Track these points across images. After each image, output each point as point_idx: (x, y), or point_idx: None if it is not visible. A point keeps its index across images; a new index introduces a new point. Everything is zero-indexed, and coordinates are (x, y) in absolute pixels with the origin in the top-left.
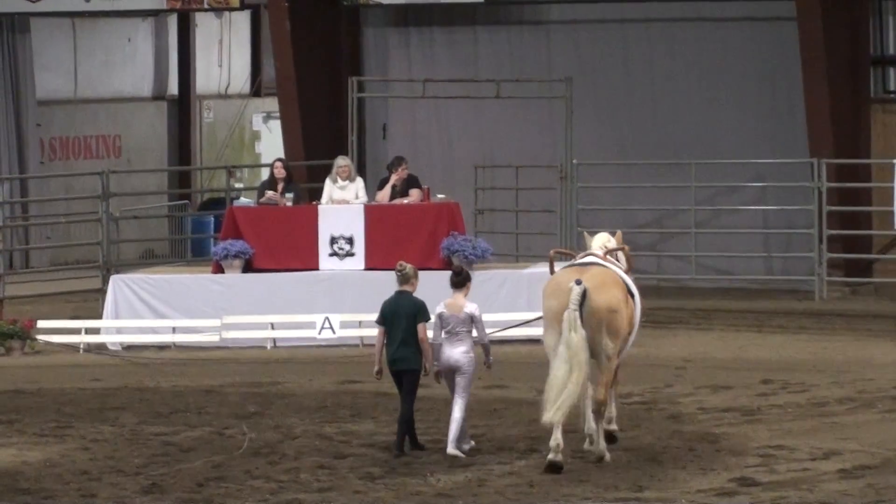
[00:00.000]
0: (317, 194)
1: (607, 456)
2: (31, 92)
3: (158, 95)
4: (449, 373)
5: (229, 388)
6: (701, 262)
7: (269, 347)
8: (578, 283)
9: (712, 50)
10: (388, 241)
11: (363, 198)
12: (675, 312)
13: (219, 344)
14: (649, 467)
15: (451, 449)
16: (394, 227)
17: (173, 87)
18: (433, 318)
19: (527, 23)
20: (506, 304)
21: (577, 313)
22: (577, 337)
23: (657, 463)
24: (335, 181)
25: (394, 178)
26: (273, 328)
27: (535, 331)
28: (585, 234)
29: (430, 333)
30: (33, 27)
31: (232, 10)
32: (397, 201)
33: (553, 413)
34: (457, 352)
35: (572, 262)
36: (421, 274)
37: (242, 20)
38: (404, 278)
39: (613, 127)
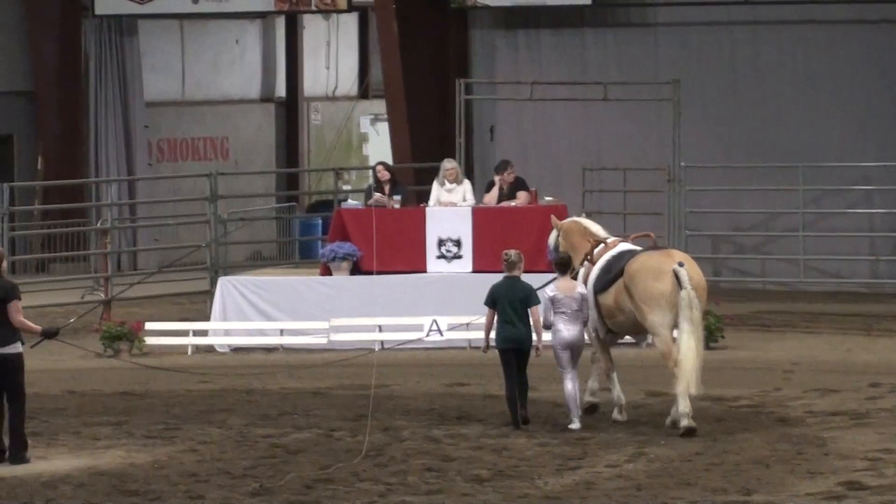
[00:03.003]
0: (424, 196)
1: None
2: (140, 94)
3: (266, 97)
4: (565, 350)
5: (337, 391)
6: (808, 264)
7: (376, 349)
8: (681, 265)
9: (820, 53)
10: (495, 243)
11: (471, 200)
12: (782, 315)
13: (326, 346)
14: (757, 470)
15: (578, 423)
16: (501, 229)
17: (281, 89)
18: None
19: (634, 25)
20: None
21: (694, 292)
22: (698, 314)
23: (765, 466)
24: (443, 184)
25: (500, 181)
26: (380, 330)
27: None
28: (558, 221)
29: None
30: (141, 29)
31: (339, 12)
32: (505, 204)
33: (697, 386)
34: (575, 330)
35: (638, 248)
36: (529, 277)
37: (350, 22)
38: (511, 265)
39: (721, 129)
